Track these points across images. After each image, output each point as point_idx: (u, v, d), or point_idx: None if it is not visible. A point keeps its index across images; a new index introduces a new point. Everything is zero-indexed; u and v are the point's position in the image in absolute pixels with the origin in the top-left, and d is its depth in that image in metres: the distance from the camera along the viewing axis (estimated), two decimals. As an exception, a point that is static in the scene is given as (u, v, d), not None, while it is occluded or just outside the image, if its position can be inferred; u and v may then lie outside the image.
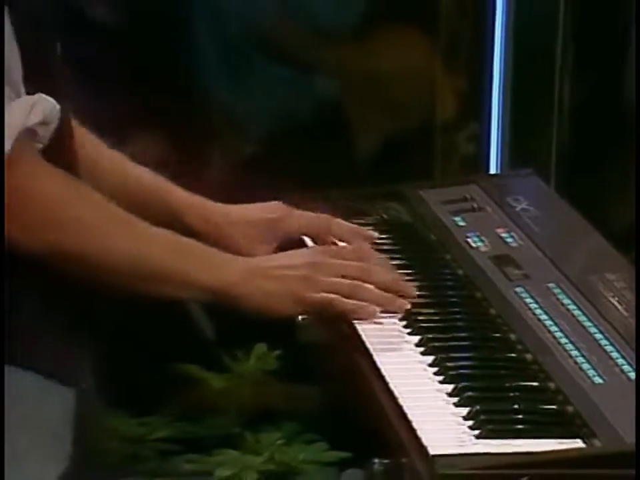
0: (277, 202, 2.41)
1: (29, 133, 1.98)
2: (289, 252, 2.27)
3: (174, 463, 3.37)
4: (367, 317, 2.15)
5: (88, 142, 2.34)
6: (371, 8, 3.89)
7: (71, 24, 2.30)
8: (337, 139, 3.85)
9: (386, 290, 2.20)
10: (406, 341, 2.12)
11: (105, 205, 2.10)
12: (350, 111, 3.93)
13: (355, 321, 2.16)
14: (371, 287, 2.17)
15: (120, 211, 2.10)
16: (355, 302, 2.15)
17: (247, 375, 3.42)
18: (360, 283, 2.17)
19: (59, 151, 2.09)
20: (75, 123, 2.24)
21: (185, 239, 2.15)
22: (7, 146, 1.93)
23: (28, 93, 2.00)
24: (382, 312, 2.17)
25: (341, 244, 2.39)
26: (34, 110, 1.97)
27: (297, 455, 3.29)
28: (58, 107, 2.01)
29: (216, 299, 2.15)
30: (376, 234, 2.41)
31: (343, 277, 2.17)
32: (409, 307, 2.19)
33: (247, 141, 3.88)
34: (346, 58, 3.89)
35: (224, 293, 2.13)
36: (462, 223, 2.50)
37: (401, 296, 2.20)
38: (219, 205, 2.40)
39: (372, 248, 2.38)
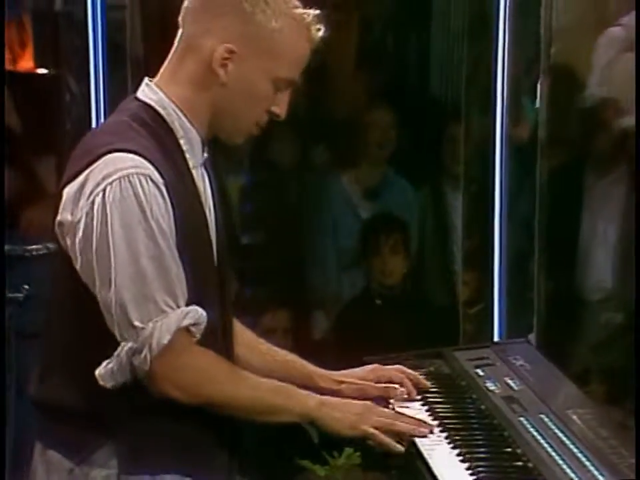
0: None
1: (184, 329, 1.93)
2: (353, 401, 2.15)
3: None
4: (395, 450, 2.06)
5: (245, 334, 2.28)
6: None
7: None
8: (398, 316, 3.82)
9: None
10: (450, 453, 2.04)
11: (234, 369, 2.03)
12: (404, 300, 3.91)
13: (417, 440, 2.07)
14: (402, 424, 2.07)
15: (244, 372, 2.05)
16: (388, 439, 2.05)
17: (339, 467, 3.36)
18: (393, 423, 2.07)
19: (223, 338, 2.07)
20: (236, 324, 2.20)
21: (281, 384, 2.08)
22: (164, 340, 1.89)
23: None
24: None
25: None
26: (187, 317, 1.92)
27: (372, 522, 3.22)
28: (203, 313, 1.94)
29: (304, 420, 2.06)
30: (426, 382, 2.32)
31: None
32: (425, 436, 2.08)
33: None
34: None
35: (308, 416, 2.04)
36: (482, 373, 2.40)
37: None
38: (336, 372, 2.29)
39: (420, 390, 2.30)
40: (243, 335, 2.24)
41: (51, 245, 1.95)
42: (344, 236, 4.03)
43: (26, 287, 1.70)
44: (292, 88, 2.04)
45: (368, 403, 2.14)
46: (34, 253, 1.76)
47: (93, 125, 3.55)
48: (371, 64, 4.26)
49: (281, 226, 4.02)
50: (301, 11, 2.01)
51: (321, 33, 2.02)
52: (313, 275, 4.06)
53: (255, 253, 3.90)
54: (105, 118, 3.48)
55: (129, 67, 3.62)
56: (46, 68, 3.95)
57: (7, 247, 1.70)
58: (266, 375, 2.12)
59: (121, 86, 3.52)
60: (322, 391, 2.17)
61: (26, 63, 3.96)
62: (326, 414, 2.03)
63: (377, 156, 4.07)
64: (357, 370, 2.30)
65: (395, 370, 2.30)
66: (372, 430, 2.03)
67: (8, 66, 3.90)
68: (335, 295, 4.04)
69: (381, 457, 2.49)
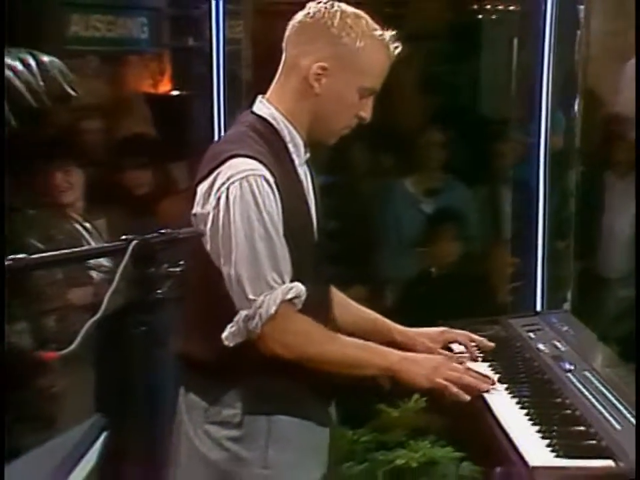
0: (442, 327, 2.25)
1: (288, 301, 1.88)
2: (430, 355, 2.08)
3: (372, 454, 3.25)
4: (462, 399, 1.94)
5: (339, 297, 2.20)
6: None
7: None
8: (455, 290, 3.71)
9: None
10: (509, 401, 1.95)
11: (327, 332, 1.95)
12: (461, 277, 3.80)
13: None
14: (470, 378, 1.97)
15: (335, 334, 1.97)
16: (458, 390, 1.93)
17: (408, 409, 3.29)
18: (462, 377, 1.95)
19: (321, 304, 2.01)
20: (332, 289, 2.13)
21: (367, 342, 1.99)
22: (271, 310, 1.85)
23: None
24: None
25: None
26: (290, 292, 1.88)
27: (437, 453, 3.13)
28: (303, 288, 1.89)
29: (386, 373, 1.98)
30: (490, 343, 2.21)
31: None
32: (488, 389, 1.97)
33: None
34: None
35: (390, 369, 1.95)
36: (533, 336, 2.31)
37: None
38: (412, 329, 2.21)
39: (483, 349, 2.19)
40: (338, 297, 2.18)
41: (180, 232, 1.91)
42: (409, 226, 3.96)
43: (181, 262, 1.67)
44: (374, 95, 1.99)
45: (442, 357, 2.06)
46: (184, 235, 1.72)
47: (215, 135, 3.53)
48: (434, 88, 4.17)
49: (358, 218, 3.95)
50: (380, 32, 1.97)
51: (398, 50, 1.98)
52: (384, 257, 3.99)
53: (336, 239, 3.83)
54: (224, 130, 3.46)
55: (243, 88, 3.59)
56: (179, 90, 3.96)
57: (168, 230, 1.66)
58: (356, 329, 2.06)
59: (236, 104, 3.48)
60: (399, 345, 2.11)
61: (163, 87, 3.99)
62: (405, 367, 1.95)
63: (435, 163, 4.00)
64: (429, 330, 2.21)
65: (462, 334, 2.21)
66: (444, 382, 1.94)
67: (149, 89, 3.94)
68: (402, 273, 3.97)
69: (444, 402, 2.40)
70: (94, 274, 3.15)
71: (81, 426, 1.31)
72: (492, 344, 2.19)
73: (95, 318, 1.46)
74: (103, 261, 3.06)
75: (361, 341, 1.98)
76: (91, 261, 3.01)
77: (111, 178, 3.50)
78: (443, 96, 4.10)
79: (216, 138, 3.39)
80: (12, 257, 1.50)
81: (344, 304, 2.20)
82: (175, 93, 3.99)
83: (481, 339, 2.20)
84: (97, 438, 1.32)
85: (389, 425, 3.32)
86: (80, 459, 1.25)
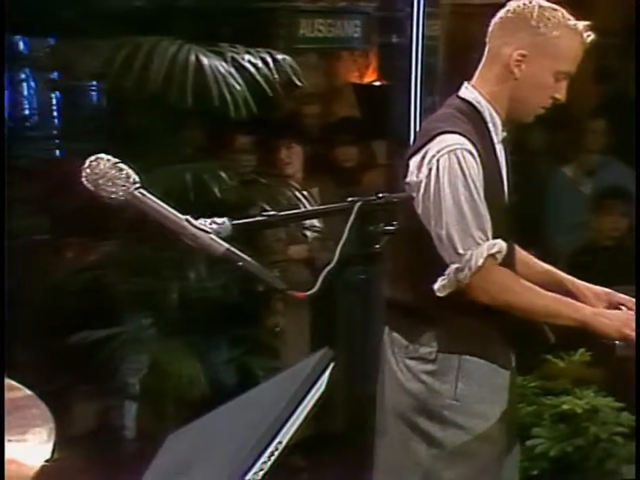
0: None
1: (492, 256, 1.87)
2: (616, 311, 2.00)
3: (540, 399, 3.15)
4: None
5: (520, 253, 2.16)
6: None
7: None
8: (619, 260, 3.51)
9: None
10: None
11: (526, 283, 1.94)
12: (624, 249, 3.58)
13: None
14: None
15: (533, 286, 1.94)
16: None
17: (574, 361, 3.18)
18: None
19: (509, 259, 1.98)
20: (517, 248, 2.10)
21: (562, 297, 1.96)
22: (479, 262, 1.84)
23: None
24: None
25: None
26: (494, 247, 1.88)
27: (600, 402, 3.01)
28: (504, 245, 1.89)
29: (578, 325, 1.92)
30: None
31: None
32: None
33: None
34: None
35: (583, 321, 1.91)
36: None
37: None
38: (584, 283, 2.12)
39: None
40: (521, 255, 2.14)
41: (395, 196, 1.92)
42: (571, 202, 3.79)
43: (394, 222, 1.69)
44: (569, 78, 1.95)
45: (627, 313, 1.98)
46: (397, 199, 1.73)
47: (411, 119, 3.52)
48: (605, 79, 3.96)
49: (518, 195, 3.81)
50: (574, 22, 1.94)
51: (590, 38, 1.93)
52: (547, 231, 3.86)
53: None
54: (419, 115, 3.44)
55: (437, 79, 3.55)
56: (381, 81, 3.98)
57: (385, 195, 1.66)
58: (537, 281, 1.99)
59: (430, 93, 3.45)
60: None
61: (368, 78, 4.03)
62: (598, 320, 1.90)
63: (595, 147, 3.79)
64: (596, 287, 2.12)
65: (630, 300, 2.09)
66: (633, 334, 1.88)
67: (356, 80, 4.00)
68: (569, 245, 3.81)
69: (606, 356, 2.29)
70: (308, 233, 3.26)
71: (313, 357, 1.36)
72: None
73: (330, 266, 1.49)
74: (315, 222, 3.16)
75: (555, 294, 1.95)
76: (306, 222, 3.10)
77: (324, 153, 3.60)
78: (613, 86, 3.88)
79: (412, 121, 3.40)
80: (265, 213, 1.54)
81: (521, 257, 2.15)
82: (378, 83, 4.02)
83: None
84: (327, 367, 1.35)
85: (555, 374, 3.22)
86: (313, 385, 1.30)
